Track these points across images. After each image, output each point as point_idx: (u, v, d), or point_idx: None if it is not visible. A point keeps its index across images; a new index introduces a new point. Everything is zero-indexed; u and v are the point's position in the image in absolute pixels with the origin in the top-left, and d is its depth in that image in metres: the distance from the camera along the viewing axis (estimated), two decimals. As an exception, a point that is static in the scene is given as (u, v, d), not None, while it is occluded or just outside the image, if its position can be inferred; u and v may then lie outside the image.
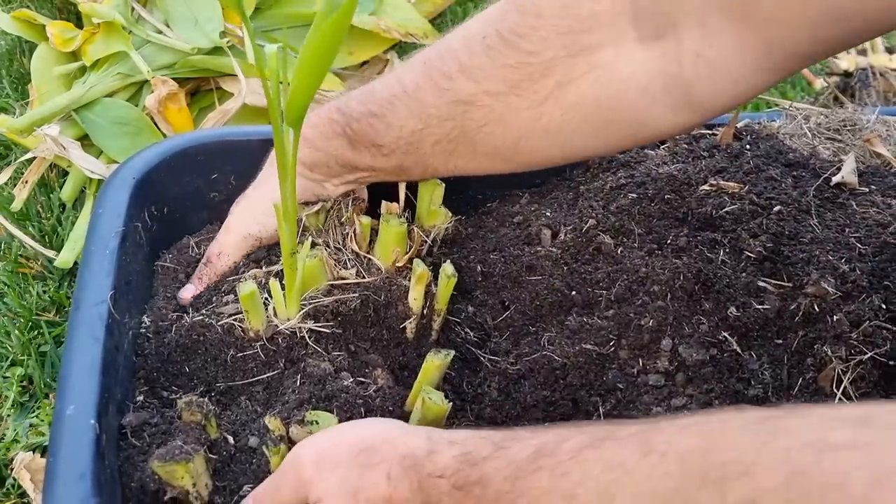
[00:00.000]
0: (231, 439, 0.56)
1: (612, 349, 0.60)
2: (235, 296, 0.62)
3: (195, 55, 1.17)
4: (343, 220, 0.68)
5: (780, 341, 0.59)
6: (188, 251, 0.73)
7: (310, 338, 0.60)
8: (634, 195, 0.69)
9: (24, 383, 0.93)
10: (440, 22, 1.46)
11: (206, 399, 0.56)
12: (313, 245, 0.63)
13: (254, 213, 0.69)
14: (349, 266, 0.64)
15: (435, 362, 0.57)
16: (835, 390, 0.56)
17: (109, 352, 0.58)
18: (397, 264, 0.66)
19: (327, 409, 0.55)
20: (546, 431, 0.44)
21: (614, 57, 0.57)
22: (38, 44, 1.24)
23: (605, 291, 0.63)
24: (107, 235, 0.66)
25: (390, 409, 0.58)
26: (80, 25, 1.26)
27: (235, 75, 1.16)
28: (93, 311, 0.60)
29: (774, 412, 0.36)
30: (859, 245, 0.63)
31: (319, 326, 0.60)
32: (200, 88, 1.23)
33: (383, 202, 0.70)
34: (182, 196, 0.76)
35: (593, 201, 0.71)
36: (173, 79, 1.15)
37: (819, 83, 1.46)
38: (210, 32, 1.18)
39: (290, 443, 0.54)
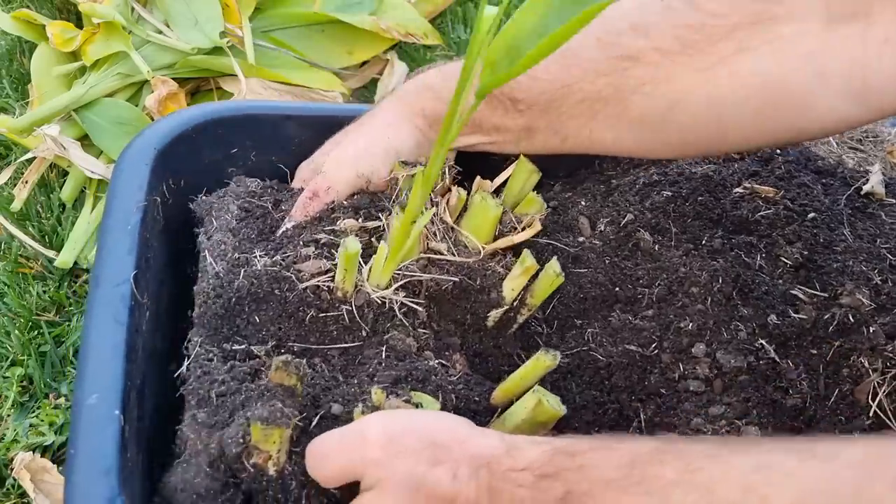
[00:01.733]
0: (312, 405, 0.51)
1: (655, 351, 0.59)
2: (317, 247, 0.58)
3: (195, 55, 1.17)
4: (437, 188, 0.63)
5: (815, 351, 0.59)
6: (241, 186, 0.67)
7: (399, 310, 0.56)
8: (669, 193, 0.68)
9: (24, 383, 0.93)
10: (440, 22, 1.46)
11: (303, 361, 0.50)
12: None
13: (367, 152, 0.64)
14: (439, 238, 0.60)
15: (545, 362, 0.52)
16: (870, 402, 0.56)
17: (132, 335, 0.55)
18: (487, 248, 0.62)
19: (423, 391, 0.52)
20: (660, 436, 0.43)
21: (798, 32, 0.54)
22: (38, 44, 1.24)
23: (646, 290, 0.62)
24: (128, 209, 0.61)
25: (476, 399, 0.54)
26: (80, 25, 1.26)
27: (235, 75, 1.16)
28: (114, 291, 0.56)
29: None
30: (890, 256, 0.63)
31: (410, 300, 0.57)
32: (200, 88, 1.24)
33: (478, 178, 0.66)
34: (199, 170, 0.71)
35: (628, 196, 0.70)
36: (173, 79, 1.15)
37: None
38: (210, 32, 1.18)
39: None
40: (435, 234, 0.60)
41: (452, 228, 0.61)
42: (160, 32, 1.21)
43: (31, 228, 1.07)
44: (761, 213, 0.66)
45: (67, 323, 0.99)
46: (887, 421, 0.55)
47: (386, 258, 0.55)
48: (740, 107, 0.57)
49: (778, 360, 0.58)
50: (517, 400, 0.53)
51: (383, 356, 0.55)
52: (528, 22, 0.43)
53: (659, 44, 0.57)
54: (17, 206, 1.09)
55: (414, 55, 1.38)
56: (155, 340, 0.61)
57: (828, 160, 0.75)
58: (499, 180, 0.69)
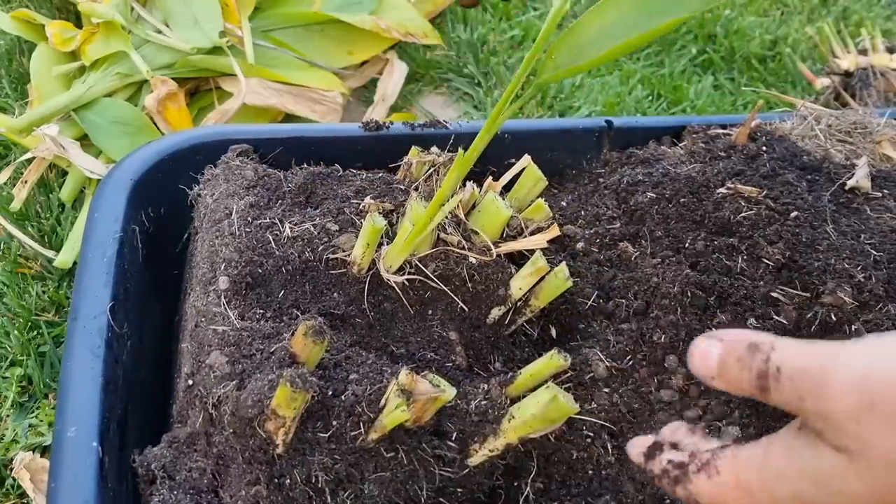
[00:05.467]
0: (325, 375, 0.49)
1: (629, 364, 0.59)
2: (339, 227, 0.58)
3: (195, 55, 1.17)
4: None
5: None
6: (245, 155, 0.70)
7: (405, 296, 0.56)
8: (652, 194, 0.68)
9: (24, 383, 0.93)
10: (440, 21, 1.45)
11: (328, 333, 0.48)
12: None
13: None
14: (448, 230, 0.60)
15: (557, 362, 0.51)
16: None
17: (110, 367, 0.56)
18: (500, 247, 0.62)
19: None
20: None
21: None
22: (37, 43, 1.24)
23: (623, 301, 0.62)
24: (105, 241, 0.64)
25: (487, 389, 0.53)
26: (79, 25, 1.26)
27: (235, 75, 1.16)
28: (91, 323, 0.58)
29: None
30: (874, 252, 0.63)
31: (419, 288, 0.56)
32: (200, 88, 1.23)
33: (489, 179, 0.66)
34: (179, 196, 0.72)
35: (608, 199, 0.70)
36: (173, 78, 1.14)
37: (819, 83, 1.45)
38: (209, 32, 1.18)
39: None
40: (445, 228, 0.59)
41: (462, 223, 0.61)
42: (160, 32, 1.21)
43: (30, 228, 1.07)
44: (743, 213, 0.66)
45: (66, 335, 0.99)
46: None
47: (405, 240, 0.55)
48: None
49: None
50: (524, 397, 0.52)
51: (390, 341, 0.54)
52: (593, 26, 0.43)
53: None
54: (16, 206, 1.08)
55: (414, 55, 1.37)
56: (138, 368, 0.62)
57: (814, 155, 0.75)
58: (504, 180, 0.69)
